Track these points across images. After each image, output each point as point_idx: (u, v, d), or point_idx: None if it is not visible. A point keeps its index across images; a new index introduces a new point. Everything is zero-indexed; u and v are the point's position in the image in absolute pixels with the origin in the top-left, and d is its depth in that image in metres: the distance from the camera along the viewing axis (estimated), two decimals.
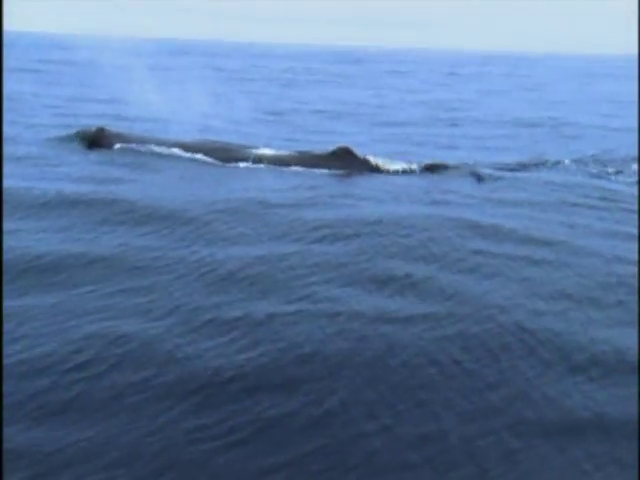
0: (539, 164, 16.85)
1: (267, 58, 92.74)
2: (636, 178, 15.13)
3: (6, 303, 7.51)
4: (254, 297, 7.78)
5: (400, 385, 6.03)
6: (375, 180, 14.45)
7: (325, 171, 15.08)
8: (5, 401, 5.70)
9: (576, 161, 17.51)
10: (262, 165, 15.64)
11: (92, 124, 19.11)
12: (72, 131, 18.23)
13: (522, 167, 16.30)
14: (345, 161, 15.36)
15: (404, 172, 15.40)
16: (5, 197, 11.42)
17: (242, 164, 15.75)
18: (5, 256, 8.83)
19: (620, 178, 15.40)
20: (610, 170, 16.25)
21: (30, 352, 6.46)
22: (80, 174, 13.76)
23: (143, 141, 17.34)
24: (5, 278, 8.20)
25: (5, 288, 7.94)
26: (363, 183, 14.13)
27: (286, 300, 7.70)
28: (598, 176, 15.61)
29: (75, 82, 38.50)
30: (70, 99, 28.98)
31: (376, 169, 15.46)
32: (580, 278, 8.63)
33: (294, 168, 15.33)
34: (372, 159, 15.78)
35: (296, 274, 8.47)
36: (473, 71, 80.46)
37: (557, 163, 17.18)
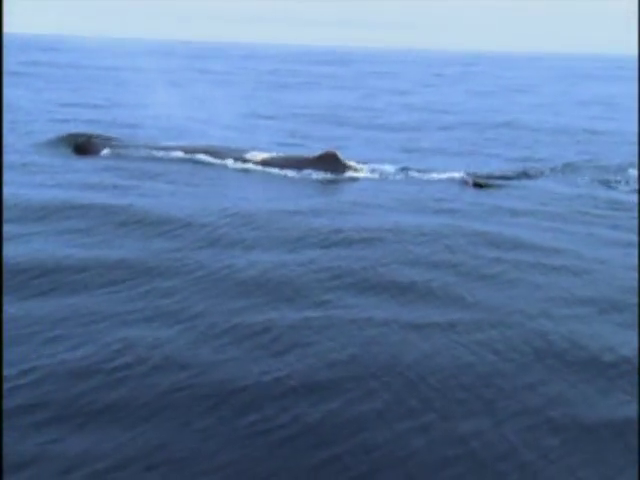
0: (537, 171, 17.30)
1: (253, 59, 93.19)
2: (636, 186, 15.63)
3: (32, 304, 8.05)
4: (280, 302, 8.26)
5: (440, 386, 6.53)
6: (375, 187, 14.97)
7: (312, 175, 15.78)
8: (52, 400, 6.12)
9: (572, 167, 18.02)
10: (252, 168, 16.38)
11: (84, 130, 19.95)
12: (63, 138, 18.91)
13: (520, 174, 16.74)
14: (331, 165, 16.07)
15: (394, 179, 15.98)
16: (15, 203, 11.87)
17: (233, 168, 16.48)
18: (24, 258, 9.35)
19: (620, 187, 15.86)
20: (609, 177, 16.71)
21: (71, 353, 6.92)
22: (81, 181, 14.21)
23: (132, 147, 18.02)
24: (28, 279, 8.73)
25: (29, 289, 8.47)
26: (365, 190, 14.62)
27: (311, 306, 8.17)
28: (599, 184, 16.06)
29: (67, 86, 38.90)
30: (62, 104, 29.34)
31: (358, 173, 16.14)
32: (600, 285, 9.15)
33: (283, 171, 16.06)
34: (358, 165, 16.52)
35: (316, 280, 8.96)
36: (461, 72, 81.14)
37: (554, 169, 17.65)
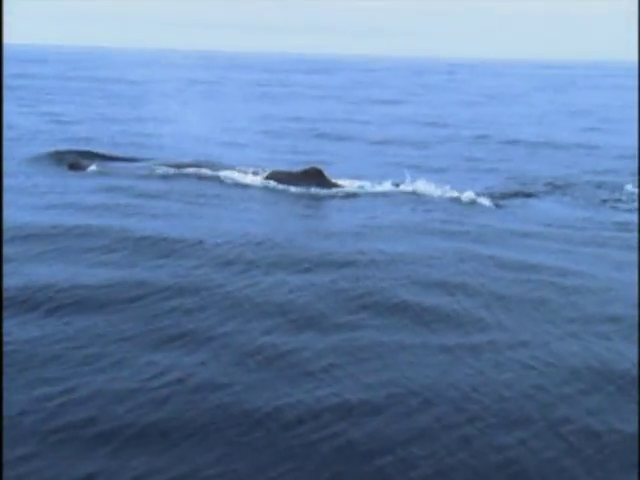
0: (535, 189, 17.68)
1: (238, 69, 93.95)
2: (636, 205, 15.96)
3: (60, 323, 8.51)
4: (307, 324, 8.71)
5: (492, 397, 7.11)
6: (377, 208, 15.30)
7: (296, 190, 16.51)
8: (101, 418, 6.54)
9: (569, 184, 18.40)
10: (240, 183, 17.22)
11: (77, 147, 20.89)
12: (57, 154, 19.72)
13: (519, 193, 17.09)
14: (316, 181, 16.79)
15: (392, 197, 16.37)
16: (24, 226, 12.25)
17: (223, 183, 17.24)
18: (45, 279, 9.78)
19: (621, 205, 16.23)
20: (608, 196, 17.08)
21: (109, 373, 7.37)
22: (86, 203, 14.54)
23: (127, 166, 18.77)
24: (53, 299, 9.17)
25: (55, 309, 8.92)
26: (369, 211, 14.93)
27: (338, 328, 8.60)
28: (600, 203, 16.41)
29: (58, 99, 39.72)
30: (55, 120, 29.91)
31: (345, 190, 16.70)
32: (621, 304, 9.65)
33: (271, 186, 16.87)
34: (348, 181, 17.15)
35: (340, 301, 9.41)
36: (444, 80, 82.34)
37: (551, 186, 18.07)
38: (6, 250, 10.92)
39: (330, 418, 6.63)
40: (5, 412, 6.57)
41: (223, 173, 17.81)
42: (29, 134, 24.93)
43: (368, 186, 17.01)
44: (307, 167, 17.25)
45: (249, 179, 17.39)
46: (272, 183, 16.95)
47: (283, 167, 18.21)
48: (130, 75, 46.82)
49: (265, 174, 17.47)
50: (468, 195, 16.11)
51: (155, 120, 29.96)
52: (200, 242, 11.68)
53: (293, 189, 16.48)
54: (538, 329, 8.80)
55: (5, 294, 9.18)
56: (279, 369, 7.53)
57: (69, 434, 6.33)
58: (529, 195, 17.03)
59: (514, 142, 27.54)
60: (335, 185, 16.85)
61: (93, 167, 18.32)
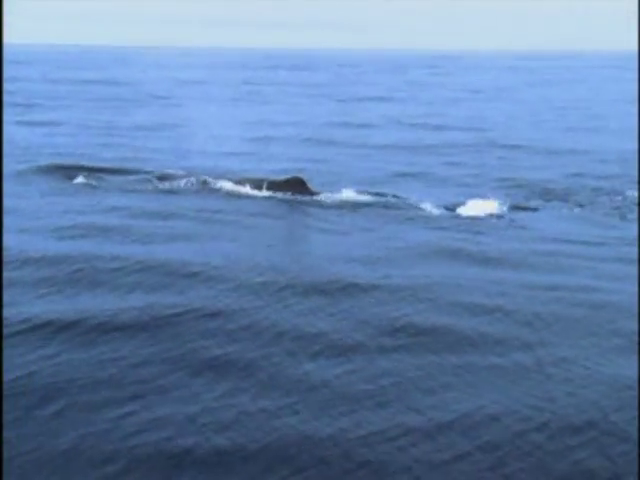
0: (537, 200, 17.92)
1: (225, 66, 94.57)
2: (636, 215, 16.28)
3: (103, 349, 8.93)
4: (341, 352, 9.05)
5: (553, 407, 7.79)
6: (386, 227, 15.36)
7: (278, 197, 17.42)
8: (173, 440, 7.10)
9: (569, 192, 18.80)
10: (229, 192, 17.98)
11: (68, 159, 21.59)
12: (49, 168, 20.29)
13: (526, 207, 17.16)
14: (297, 190, 17.62)
15: (385, 207, 16.75)
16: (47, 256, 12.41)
17: (208, 194, 17.89)
18: (83, 305, 10.22)
19: (629, 215, 16.36)
20: (611, 204, 17.36)
21: (177, 395, 7.94)
22: (92, 225, 14.64)
23: (119, 178, 19.45)
24: (96, 325, 9.58)
25: (103, 334, 9.34)
26: (378, 232, 14.99)
27: (375, 354, 9.00)
28: (603, 214, 16.63)
29: (48, 103, 40.25)
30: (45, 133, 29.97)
31: (328, 200, 17.27)
32: None
33: (257, 193, 17.68)
34: (330, 192, 17.63)
35: (374, 327, 9.80)
36: (427, 74, 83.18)
37: (552, 195, 18.40)
38: (34, 276, 11.43)
39: (398, 434, 7.24)
40: (85, 430, 7.21)
41: (219, 185, 18.37)
42: (28, 146, 25.28)
43: (366, 197, 17.34)
44: (289, 176, 18.01)
45: (247, 191, 17.90)
46: (272, 194, 17.55)
47: (278, 175, 18.66)
48: (123, 76, 47.11)
49: (263, 184, 17.92)
50: (468, 208, 16.20)
51: (147, 129, 30.44)
52: (224, 266, 11.98)
53: (276, 197, 17.30)
54: (582, 345, 9.36)
55: (42, 317, 9.70)
56: (335, 393, 8.01)
57: (153, 452, 6.92)
58: (534, 209, 17.07)
59: (507, 146, 27.88)
60: (318, 194, 17.47)
61: (93, 182, 18.87)
